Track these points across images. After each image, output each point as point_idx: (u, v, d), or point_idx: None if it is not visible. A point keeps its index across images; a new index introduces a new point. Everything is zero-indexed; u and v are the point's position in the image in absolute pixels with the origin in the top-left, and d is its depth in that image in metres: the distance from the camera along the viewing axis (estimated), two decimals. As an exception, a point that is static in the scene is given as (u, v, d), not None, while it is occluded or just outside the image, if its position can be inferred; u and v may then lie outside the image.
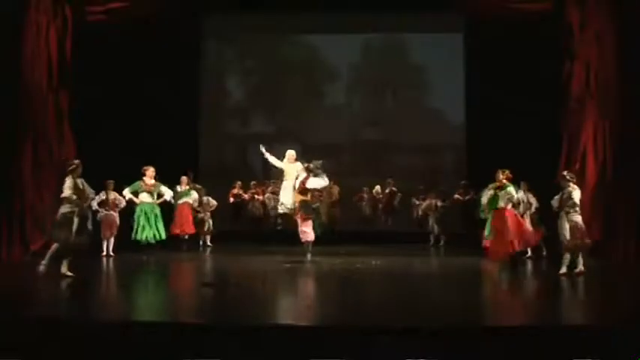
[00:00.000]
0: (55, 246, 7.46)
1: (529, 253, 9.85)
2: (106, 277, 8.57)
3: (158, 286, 7.90)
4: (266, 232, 12.93)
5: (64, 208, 7.43)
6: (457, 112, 13.93)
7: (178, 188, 11.25)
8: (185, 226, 11.25)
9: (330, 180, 13.80)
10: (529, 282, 8.38)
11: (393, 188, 13.31)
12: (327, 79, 14.71)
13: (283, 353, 4.60)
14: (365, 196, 13.65)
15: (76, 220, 7.41)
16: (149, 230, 9.97)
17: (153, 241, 10.01)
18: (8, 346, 4.51)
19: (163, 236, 10.17)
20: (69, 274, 7.40)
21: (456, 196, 12.08)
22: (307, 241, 9.50)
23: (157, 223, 10.05)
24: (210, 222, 12.01)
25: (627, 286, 7.56)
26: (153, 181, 10.16)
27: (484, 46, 12.56)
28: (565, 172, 8.26)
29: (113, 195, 10.14)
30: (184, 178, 11.40)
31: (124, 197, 10.11)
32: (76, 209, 7.44)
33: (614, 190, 9.29)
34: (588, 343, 4.42)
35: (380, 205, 13.62)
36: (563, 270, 7.73)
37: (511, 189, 8.81)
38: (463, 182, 12.36)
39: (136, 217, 10.06)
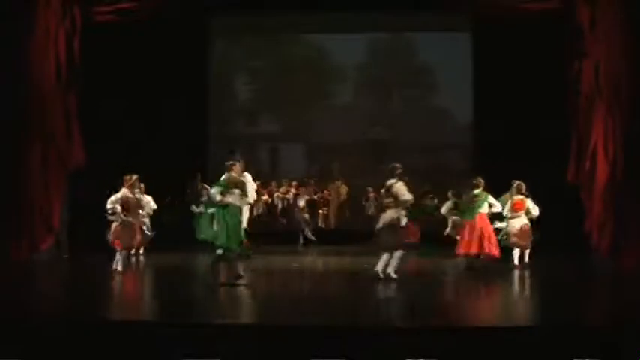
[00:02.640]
0: (399, 252, 7.44)
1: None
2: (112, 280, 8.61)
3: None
4: (270, 233, 12.88)
5: (396, 213, 7.44)
6: (465, 112, 13.85)
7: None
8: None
9: (338, 180, 13.92)
10: (530, 282, 8.32)
11: None
12: (333, 79, 14.71)
13: (283, 353, 4.59)
14: (370, 195, 13.62)
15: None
16: None
17: None
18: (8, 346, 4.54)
19: None
20: (394, 275, 7.38)
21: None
22: None
23: None
24: (148, 229, 10.02)
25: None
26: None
27: (492, 46, 12.49)
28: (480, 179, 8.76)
29: (138, 195, 8.63)
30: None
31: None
32: (403, 212, 7.48)
33: (625, 190, 9.16)
34: (589, 343, 4.37)
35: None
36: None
37: None
38: (474, 182, 12.26)
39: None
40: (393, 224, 7.44)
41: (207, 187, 12.07)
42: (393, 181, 7.60)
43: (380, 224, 7.54)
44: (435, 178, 13.33)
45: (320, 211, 13.79)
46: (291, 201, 13.42)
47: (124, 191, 8.35)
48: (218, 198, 7.40)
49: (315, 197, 13.70)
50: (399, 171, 7.64)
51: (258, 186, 13.13)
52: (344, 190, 13.82)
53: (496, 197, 9.05)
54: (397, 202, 7.47)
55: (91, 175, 10.19)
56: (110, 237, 8.32)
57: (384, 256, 7.47)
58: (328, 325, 5.01)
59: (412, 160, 14.06)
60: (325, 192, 13.89)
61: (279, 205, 13.31)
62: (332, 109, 14.60)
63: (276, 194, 13.33)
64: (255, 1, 12.76)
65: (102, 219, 10.10)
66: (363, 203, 13.65)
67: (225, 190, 7.45)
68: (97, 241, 10.07)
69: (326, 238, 13.10)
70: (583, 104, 9.70)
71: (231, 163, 7.81)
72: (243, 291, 6.93)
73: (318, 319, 5.44)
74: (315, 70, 14.67)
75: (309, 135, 14.54)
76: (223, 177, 7.72)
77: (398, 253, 7.48)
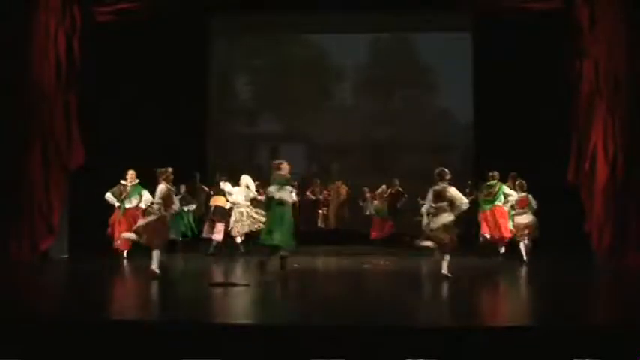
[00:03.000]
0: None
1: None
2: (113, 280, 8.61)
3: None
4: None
5: (450, 216, 7.68)
6: (465, 112, 13.86)
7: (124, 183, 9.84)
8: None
9: (338, 180, 13.93)
10: (530, 282, 8.32)
11: (399, 189, 13.25)
12: (333, 79, 14.74)
13: (283, 353, 4.58)
14: (367, 196, 13.62)
15: None
16: None
17: None
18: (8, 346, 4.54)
19: None
20: (449, 274, 7.54)
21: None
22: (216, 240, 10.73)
23: None
24: None
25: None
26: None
27: (492, 46, 12.49)
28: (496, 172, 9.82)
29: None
30: (131, 173, 9.71)
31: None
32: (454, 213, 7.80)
33: (625, 190, 9.16)
34: (589, 343, 4.37)
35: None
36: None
37: None
38: (470, 182, 12.29)
39: None
40: (449, 226, 7.62)
41: (206, 188, 12.09)
42: (444, 185, 7.69)
43: (436, 225, 7.66)
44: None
45: (320, 211, 13.79)
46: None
47: (165, 185, 7.96)
48: (277, 195, 7.64)
49: (321, 197, 13.72)
50: (448, 176, 7.75)
51: (257, 186, 13.23)
52: (344, 190, 13.81)
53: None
54: (452, 207, 7.67)
55: (91, 175, 10.19)
56: (138, 234, 7.81)
57: (446, 257, 7.67)
58: (328, 325, 5.00)
59: (412, 160, 14.11)
60: (325, 192, 13.89)
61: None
62: (332, 109, 14.62)
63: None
64: (255, 1, 12.76)
65: (102, 219, 10.17)
66: (361, 204, 13.64)
67: (281, 187, 7.74)
68: (96, 241, 10.12)
69: (326, 238, 13.10)
70: (583, 104, 9.70)
71: (278, 162, 8.11)
72: (243, 291, 6.92)
73: (318, 319, 5.43)
74: (315, 70, 14.67)
75: (309, 135, 14.55)
76: (276, 175, 8.02)
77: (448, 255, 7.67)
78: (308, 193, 13.64)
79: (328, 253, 11.31)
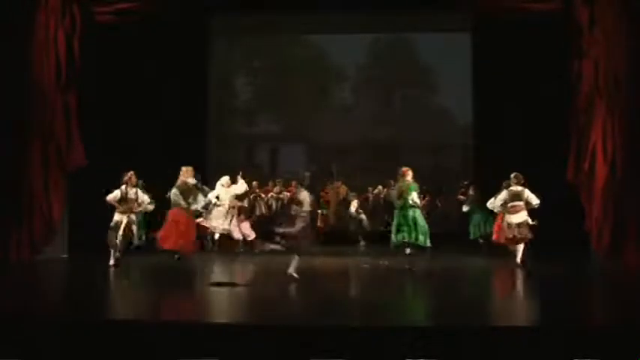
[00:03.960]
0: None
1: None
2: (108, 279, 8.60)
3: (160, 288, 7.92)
4: (268, 232, 12.77)
5: (526, 215, 8.67)
6: (465, 112, 13.86)
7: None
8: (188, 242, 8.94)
9: (337, 180, 13.92)
10: (529, 282, 8.31)
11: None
12: (333, 79, 14.76)
13: (283, 353, 4.58)
14: (370, 196, 13.62)
15: None
16: None
17: None
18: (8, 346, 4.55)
19: None
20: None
21: (460, 196, 12.01)
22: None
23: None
24: (134, 228, 9.00)
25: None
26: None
27: (492, 46, 12.49)
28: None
29: (134, 191, 8.82)
30: (190, 170, 9.20)
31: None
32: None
33: (624, 190, 9.16)
34: (589, 343, 4.37)
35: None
36: None
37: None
38: (465, 182, 12.29)
39: None
40: (526, 223, 8.60)
41: (206, 188, 12.06)
42: (520, 188, 8.75)
43: (516, 220, 8.64)
44: (435, 178, 13.35)
45: (319, 211, 13.77)
46: (285, 201, 13.41)
47: (305, 191, 7.65)
48: (413, 201, 8.61)
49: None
50: (522, 180, 8.79)
51: (256, 186, 13.19)
52: (344, 190, 13.81)
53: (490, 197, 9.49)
54: (527, 205, 8.67)
55: (91, 175, 10.19)
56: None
57: (520, 248, 8.68)
58: (328, 325, 5.00)
59: (412, 160, 14.08)
60: (324, 192, 13.88)
61: (274, 206, 13.30)
62: (332, 109, 14.64)
63: (270, 194, 13.35)
64: (255, 1, 12.76)
65: (102, 219, 10.14)
66: (362, 203, 13.64)
67: (414, 193, 8.60)
68: (97, 241, 10.11)
69: (326, 238, 13.09)
70: (583, 104, 9.71)
71: (405, 168, 8.84)
72: (243, 291, 6.93)
73: (318, 319, 5.43)
74: (315, 70, 14.69)
75: (309, 135, 14.56)
76: (411, 183, 8.73)
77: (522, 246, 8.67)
78: (322, 197, 13.55)
79: (328, 253, 11.30)
